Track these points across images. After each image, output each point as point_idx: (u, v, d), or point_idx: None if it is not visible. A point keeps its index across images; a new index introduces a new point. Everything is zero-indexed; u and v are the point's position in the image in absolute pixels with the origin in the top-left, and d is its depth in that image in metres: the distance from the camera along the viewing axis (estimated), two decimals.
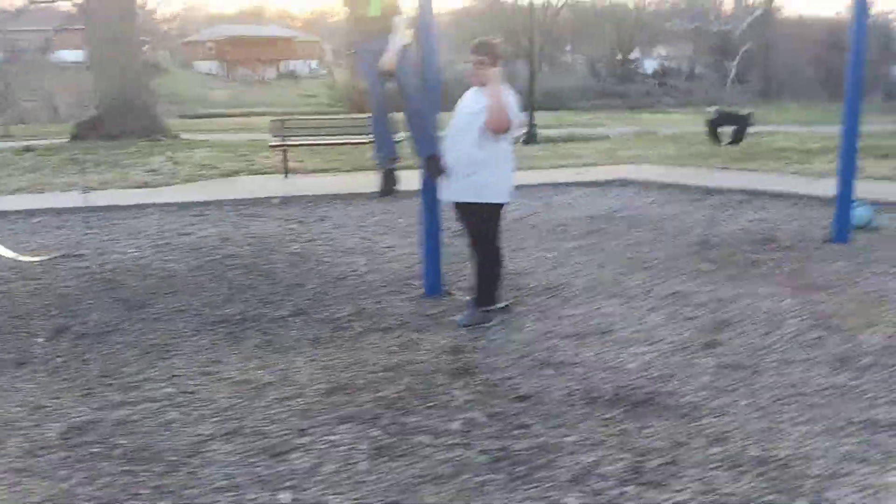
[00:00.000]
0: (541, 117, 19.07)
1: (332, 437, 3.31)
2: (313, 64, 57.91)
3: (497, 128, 4.55)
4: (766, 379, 3.83)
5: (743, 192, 9.35)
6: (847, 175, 6.58)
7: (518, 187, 9.70)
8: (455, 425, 3.39)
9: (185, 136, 17.85)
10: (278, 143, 11.59)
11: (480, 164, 4.62)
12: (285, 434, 3.35)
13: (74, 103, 37.42)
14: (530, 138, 16.75)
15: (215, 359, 4.34)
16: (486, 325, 4.79)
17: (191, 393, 3.86)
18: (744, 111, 7.10)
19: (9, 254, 5.46)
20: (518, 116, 4.67)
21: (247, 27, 59.69)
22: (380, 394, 3.75)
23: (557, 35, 49.13)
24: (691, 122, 20.27)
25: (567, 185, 10.15)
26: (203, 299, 5.57)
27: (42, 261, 6.63)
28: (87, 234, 7.80)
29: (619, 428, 3.33)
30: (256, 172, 11.81)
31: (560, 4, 46.48)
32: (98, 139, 16.23)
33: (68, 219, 8.54)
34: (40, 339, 4.86)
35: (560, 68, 51.52)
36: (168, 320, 5.10)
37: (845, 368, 3.95)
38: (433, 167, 4.96)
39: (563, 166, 12.17)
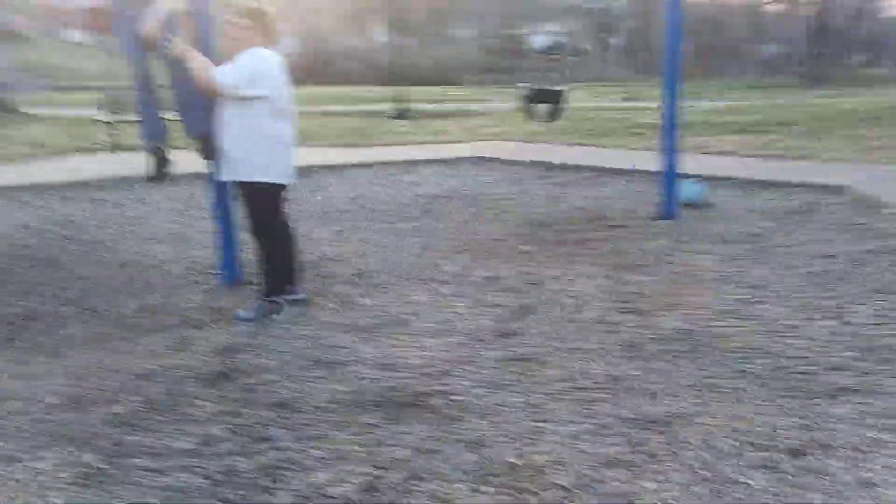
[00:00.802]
0: (423, 92, 18.70)
1: (36, 465, 2.85)
2: None
3: (201, 87, 4.12)
4: (547, 371, 3.60)
5: (591, 168, 9.27)
6: (670, 151, 6.50)
7: (366, 165, 9.65)
8: (186, 443, 2.98)
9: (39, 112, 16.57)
10: (107, 119, 10.75)
11: (230, 140, 4.21)
12: None
13: None
14: (402, 113, 16.36)
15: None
16: (274, 318, 4.40)
17: None
18: (558, 87, 6.95)
19: None
20: (226, 77, 4.06)
21: None
22: (115, 407, 3.30)
23: (442, 8, 48.72)
24: (575, 98, 20.33)
25: (418, 162, 9.83)
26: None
27: None
28: None
29: (372, 436, 3.01)
30: (89, 151, 10.93)
31: None
32: None
33: None
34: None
35: (447, 42, 51.18)
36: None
37: (634, 356, 3.77)
38: (205, 147, 4.51)
39: (423, 143, 11.86)
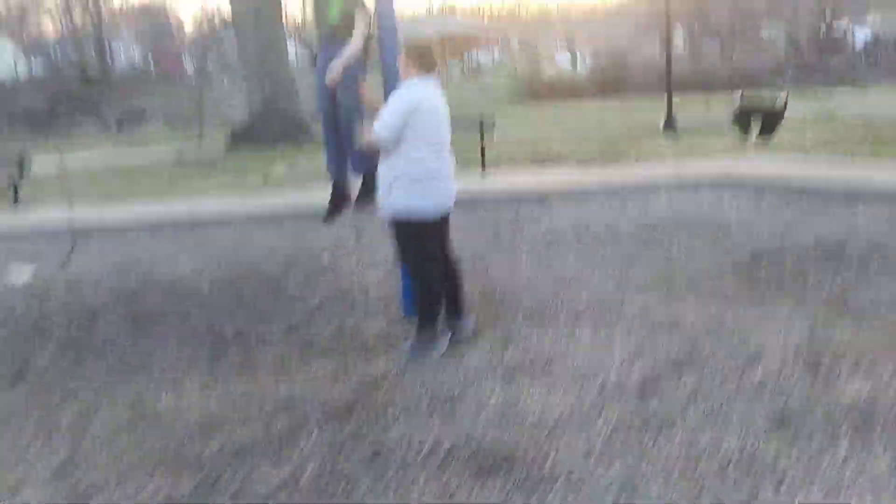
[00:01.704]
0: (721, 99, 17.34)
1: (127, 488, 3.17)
2: (496, 56, 58.06)
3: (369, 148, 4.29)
4: (669, 442, 3.20)
5: (850, 190, 8.04)
6: None
7: (599, 186, 9.29)
8: (272, 480, 3.13)
9: None
10: None
11: (381, 178, 4.31)
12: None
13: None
14: (668, 125, 15.55)
15: (173, 379, 4.39)
16: (431, 352, 4.44)
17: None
18: (775, 96, 5.99)
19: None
20: (382, 129, 4.15)
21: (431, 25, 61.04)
22: (237, 434, 3.57)
23: (750, 9, 45.53)
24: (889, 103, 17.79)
25: (658, 183, 9.28)
26: (207, 315, 5.68)
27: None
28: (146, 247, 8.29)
29: (446, 493, 2.92)
30: None
31: None
32: (250, 145, 17.22)
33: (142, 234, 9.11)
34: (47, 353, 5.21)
35: (755, 45, 47.74)
36: (164, 336, 5.23)
37: (785, 430, 3.21)
38: (365, 185, 4.71)
39: (678, 158, 11.12)
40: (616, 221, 7.61)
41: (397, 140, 4.16)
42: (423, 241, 4.41)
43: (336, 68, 4.75)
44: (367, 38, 4.96)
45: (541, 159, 11.85)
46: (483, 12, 78.87)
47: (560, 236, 7.20)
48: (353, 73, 4.83)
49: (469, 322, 4.75)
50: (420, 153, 4.22)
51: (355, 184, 5.30)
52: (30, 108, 37.93)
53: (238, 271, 6.88)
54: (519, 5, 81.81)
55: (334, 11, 5.08)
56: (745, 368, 3.90)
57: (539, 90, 37.92)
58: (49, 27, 47.54)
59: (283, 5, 20.06)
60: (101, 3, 45.13)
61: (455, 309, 4.71)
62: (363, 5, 4.96)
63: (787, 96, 6.13)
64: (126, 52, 54.48)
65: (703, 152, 11.27)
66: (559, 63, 50.79)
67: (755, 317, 4.65)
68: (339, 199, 5.23)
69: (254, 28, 17.52)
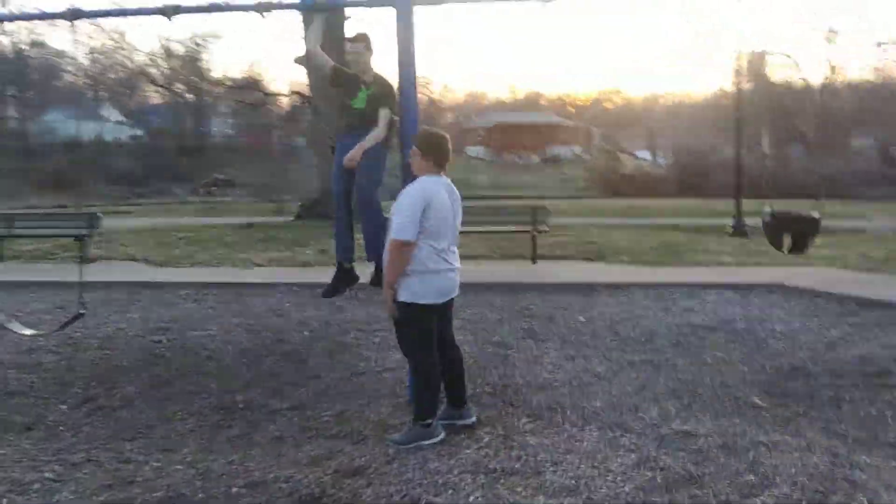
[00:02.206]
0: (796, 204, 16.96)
1: None
2: (576, 149, 58.51)
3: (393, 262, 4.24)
4: None
5: None
6: None
7: (650, 285, 9.05)
8: None
9: None
10: None
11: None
12: None
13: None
14: (737, 228, 15.19)
15: (167, 447, 4.38)
16: (427, 442, 4.29)
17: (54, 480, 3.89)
18: (809, 214, 5.68)
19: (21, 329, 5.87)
20: (401, 233, 4.13)
21: (515, 114, 62.30)
22: None
23: (839, 117, 44.75)
24: None
25: (710, 286, 8.97)
26: (225, 383, 5.68)
27: (42, 334, 6.72)
28: (182, 308, 8.43)
29: None
30: None
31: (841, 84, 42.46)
32: (315, 218, 17.66)
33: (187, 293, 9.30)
34: (63, 407, 5.29)
35: (843, 152, 46.67)
36: (177, 401, 5.26)
37: None
38: (376, 271, 4.69)
39: (738, 264, 10.79)
40: (653, 322, 7.35)
41: (413, 239, 4.13)
42: (421, 326, 4.32)
43: (356, 154, 4.80)
44: (390, 127, 5.03)
45: (596, 254, 11.67)
46: (567, 101, 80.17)
47: (593, 333, 6.98)
48: (373, 159, 4.88)
49: (468, 413, 4.60)
50: (421, 252, 4.18)
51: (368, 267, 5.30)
52: (128, 169, 40.11)
53: (265, 341, 6.91)
54: (603, 96, 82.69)
55: (362, 102, 5.18)
56: (748, 494, 3.61)
57: (616, 184, 37.91)
58: (153, 96, 50.42)
59: None
60: (202, 75, 47.81)
61: (454, 399, 4.57)
62: (389, 105, 5.04)
63: (821, 212, 5.87)
64: (221, 123, 57.41)
65: (766, 258, 10.91)
66: (639, 158, 50.79)
67: (775, 438, 4.34)
68: (343, 280, 5.22)
69: (326, 105, 18.15)
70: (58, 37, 70.57)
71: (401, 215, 4.15)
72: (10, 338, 6.70)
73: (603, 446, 4.28)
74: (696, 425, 4.57)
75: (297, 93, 23.63)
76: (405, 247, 4.14)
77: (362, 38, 5.21)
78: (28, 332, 5.50)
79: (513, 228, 11.58)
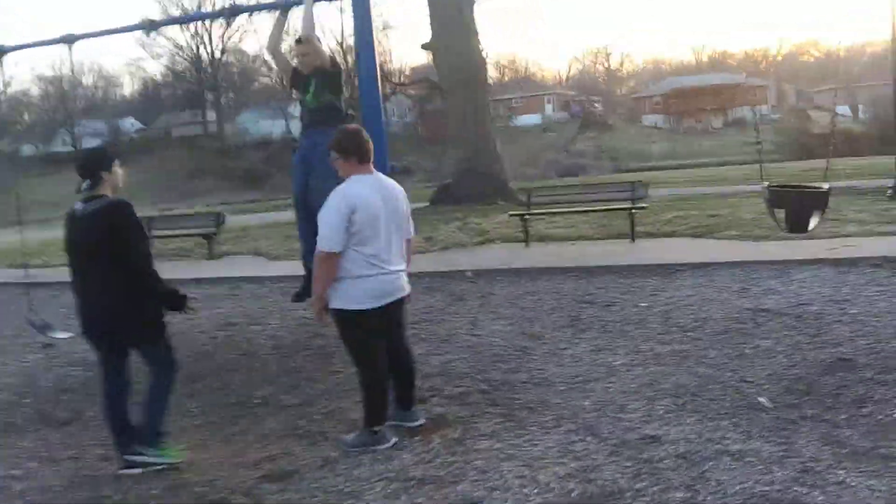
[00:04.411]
0: None
1: None
2: (764, 109, 54.41)
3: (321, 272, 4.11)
4: None
5: None
6: None
7: (739, 264, 8.15)
8: None
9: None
10: (518, 212, 11.43)
11: None
12: None
13: (522, 163, 41.51)
14: None
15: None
16: (374, 448, 4.18)
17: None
18: (814, 187, 4.63)
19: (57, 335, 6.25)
20: (326, 244, 3.97)
21: (692, 78, 58.99)
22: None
23: None
24: None
25: (805, 262, 7.98)
26: (250, 379, 5.90)
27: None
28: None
29: None
30: (511, 240, 11.70)
31: None
32: (448, 203, 17.82)
33: None
34: None
35: None
36: (199, 397, 5.51)
37: None
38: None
39: (860, 234, 9.49)
40: (716, 307, 6.66)
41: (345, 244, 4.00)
42: (359, 332, 4.18)
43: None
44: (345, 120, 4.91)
45: (707, 229, 10.78)
46: (758, 57, 74.75)
47: (640, 321, 6.46)
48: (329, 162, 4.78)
49: (415, 416, 4.44)
50: (347, 259, 4.02)
51: None
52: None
53: (303, 336, 7.04)
54: (800, 49, 76.27)
55: (311, 98, 5.10)
56: None
57: (808, 145, 34.82)
58: None
59: (486, 73, 20.59)
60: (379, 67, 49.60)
61: (402, 401, 4.43)
62: (333, 92, 4.93)
63: (829, 187, 4.99)
64: (400, 111, 59.44)
65: None
66: (838, 115, 46.37)
67: (751, 446, 3.79)
68: (310, 283, 5.18)
69: (460, 93, 18.18)
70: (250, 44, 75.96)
71: (324, 225, 4.03)
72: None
73: (553, 452, 3.96)
74: (671, 429, 4.10)
75: (427, 80, 23.86)
76: (330, 258, 4.02)
77: (305, 40, 5.14)
78: (63, 335, 5.98)
79: (609, 207, 11.00)
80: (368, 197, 4.06)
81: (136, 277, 3.96)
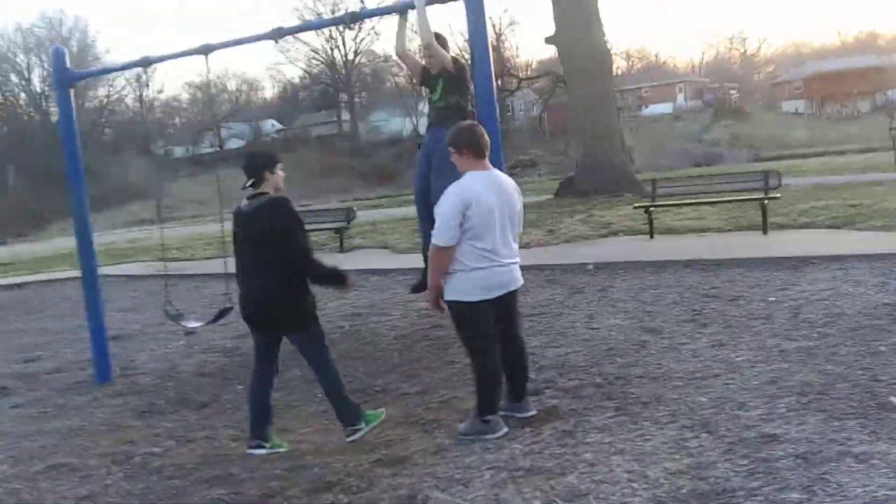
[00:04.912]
0: None
1: None
2: None
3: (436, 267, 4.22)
4: None
5: None
6: None
7: (874, 257, 7.62)
8: None
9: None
10: (643, 204, 11.15)
11: None
12: None
13: (653, 153, 40.43)
14: None
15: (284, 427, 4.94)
16: (489, 436, 4.27)
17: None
18: None
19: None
20: (439, 239, 4.06)
21: (835, 61, 55.30)
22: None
23: None
24: None
25: None
26: (372, 367, 6.15)
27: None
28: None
29: None
30: (635, 232, 11.47)
31: None
32: (573, 196, 17.67)
33: None
34: (240, 388, 6.16)
35: None
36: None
37: None
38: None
39: None
40: (850, 302, 6.29)
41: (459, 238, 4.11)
42: (474, 324, 4.26)
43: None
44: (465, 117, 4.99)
45: (846, 220, 10.16)
46: None
47: (767, 316, 6.21)
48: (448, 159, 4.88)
49: (527, 407, 4.48)
50: (462, 252, 4.12)
51: None
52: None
53: (423, 327, 7.21)
54: None
55: (438, 97, 5.21)
56: None
57: None
58: None
59: (611, 64, 20.14)
60: (506, 62, 49.71)
61: (514, 393, 4.48)
62: (459, 92, 5.02)
63: None
64: (525, 106, 59.26)
65: None
66: None
67: (877, 449, 3.59)
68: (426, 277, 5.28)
69: (583, 85, 17.95)
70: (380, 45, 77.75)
71: (440, 219, 4.14)
72: (225, 325, 7.85)
73: (665, 448, 3.89)
74: (792, 428, 3.94)
75: (552, 73, 23.62)
76: (443, 251, 4.13)
77: (426, 46, 5.27)
78: (195, 324, 6.40)
79: (740, 197, 10.56)
80: (483, 192, 4.13)
81: (298, 266, 4.30)
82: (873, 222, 9.66)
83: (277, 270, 4.25)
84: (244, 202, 4.41)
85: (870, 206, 10.93)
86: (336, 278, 4.46)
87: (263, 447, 4.40)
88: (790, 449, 3.70)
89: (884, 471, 3.37)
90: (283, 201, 4.33)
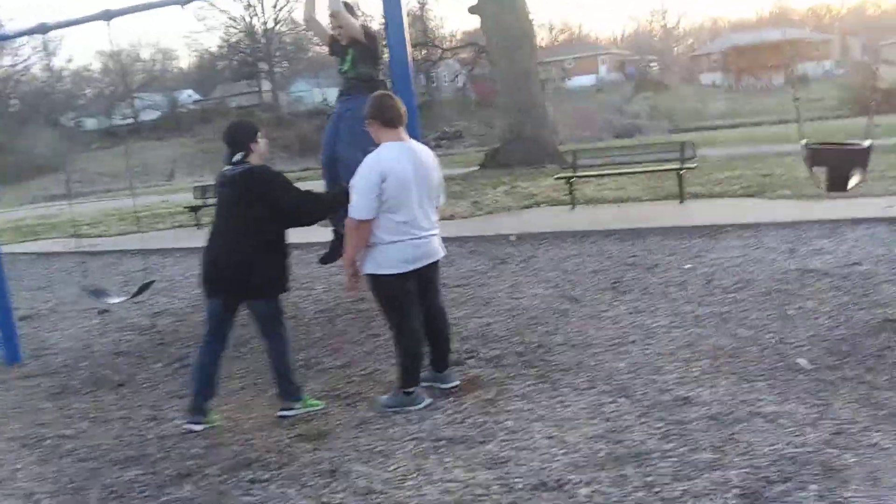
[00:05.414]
0: None
1: None
2: (827, 65, 52.36)
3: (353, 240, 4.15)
4: None
5: None
6: None
7: (789, 224, 7.93)
8: None
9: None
10: (564, 175, 11.30)
11: None
12: None
13: (576, 125, 40.88)
14: None
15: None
16: (409, 409, 4.26)
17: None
18: (854, 144, 4.36)
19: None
20: (357, 213, 4.01)
21: (751, 34, 56.95)
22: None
23: None
24: None
25: (858, 221, 7.73)
26: (295, 343, 5.96)
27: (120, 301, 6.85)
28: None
29: None
30: (557, 203, 11.61)
31: None
32: (497, 168, 17.74)
33: None
34: (158, 366, 5.96)
35: None
36: (246, 360, 5.67)
37: None
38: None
39: None
40: (761, 268, 6.52)
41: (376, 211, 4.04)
42: (392, 296, 4.22)
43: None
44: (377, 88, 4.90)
45: (759, 189, 10.51)
46: (822, 12, 71.89)
47: (682, 283, 6.38)
48: (359, 129, 4.80)
49: (450, 378, 4.49)
50: (379, 225, 4.06)
51: None
52: None
53: (348, 302, 7.12)
54: (867, 2, 73.04)
55: (348, 67, 5.11)
56: (686, 477, 3.18)
57: (873, 102, 33.46)
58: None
59: (535, 37, 20.20)
60: (429, 32, 49.38)
61: (437, 363, 4.48)
62: (377, 67, 4.93)
63: (870, 144, 4.79)
64: (451, 77, 59.00)
65: None
66: None
67: (784, 409, 3.74)
68: (339, 247, 5.23)
69: (507, 56, 17.96)
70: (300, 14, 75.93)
71: (356, 192, 4.06)
72: (140, 303, 7.62)
73: (584, 414, 3.98)
74: (705, 391, 4.07)
75: (475, 44, 23.59)
76: (361, 225, 4.06)
77: (335, 15, 5.15)
78: (116, 300, 6.19)
79: (658, 168, 10.80)
80: (398, 164, 4.06)
81: (303, 222, 4.31)
82: (784, 191, 10.02)
83: (258, 235, 4.19)
84: (227, 167, 4.30)
85: (780, 176, 11.33)
86: (342, 198, 4.31)
87: (201, 423, 4.28)
88: (703, 411, 3.82)
89: (790, 429, 3.51)
90: (264, 168, 4.28)
